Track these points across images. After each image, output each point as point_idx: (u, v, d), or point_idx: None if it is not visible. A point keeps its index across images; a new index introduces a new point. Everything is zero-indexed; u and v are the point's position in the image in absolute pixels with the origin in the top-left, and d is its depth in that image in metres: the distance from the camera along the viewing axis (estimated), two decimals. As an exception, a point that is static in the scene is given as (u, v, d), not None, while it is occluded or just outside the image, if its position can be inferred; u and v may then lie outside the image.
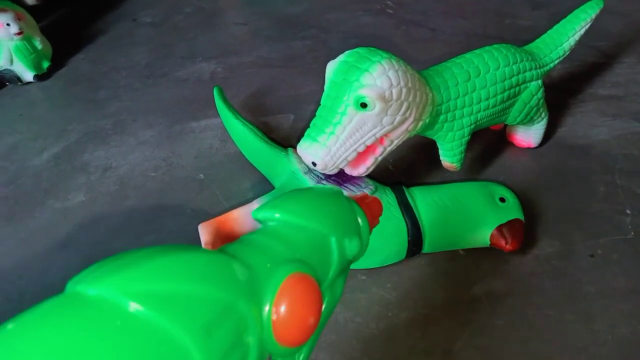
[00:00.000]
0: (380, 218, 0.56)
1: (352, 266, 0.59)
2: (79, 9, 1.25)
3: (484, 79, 0.60)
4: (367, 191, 0.57)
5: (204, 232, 0.55)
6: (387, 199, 0.58)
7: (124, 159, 0.79)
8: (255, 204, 0.58)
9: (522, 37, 1.01)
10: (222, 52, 1.04)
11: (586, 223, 0.65)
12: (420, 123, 0.56)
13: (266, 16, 1.17)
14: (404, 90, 0.51)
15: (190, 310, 0.22)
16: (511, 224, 0.58)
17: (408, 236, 0.57)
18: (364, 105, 0.50)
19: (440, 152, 0.64)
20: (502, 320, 0.55)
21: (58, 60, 1.03)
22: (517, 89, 0.63)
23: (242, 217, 0.57)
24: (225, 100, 0.76)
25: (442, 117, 0.59)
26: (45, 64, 0.99)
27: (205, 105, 0.88)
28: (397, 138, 0.55)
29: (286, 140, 0.79)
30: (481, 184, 0.61)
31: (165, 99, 0.92)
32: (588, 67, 0.92)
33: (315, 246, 0.32)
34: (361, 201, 0.39)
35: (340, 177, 0.59)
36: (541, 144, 0.75)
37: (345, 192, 0.57)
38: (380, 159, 0.57)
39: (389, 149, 0.56)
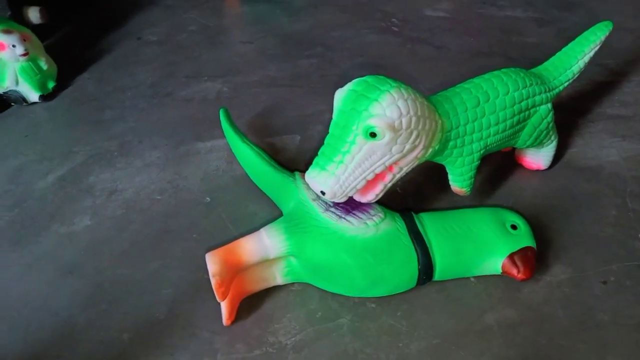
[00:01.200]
0: (390, 246, 0.56)
1: (362, 295, 0.58)
2: (83, 28, 1.26)
3: (493, 104, 0.59)
4: (375, 219, 0.56)
5: (212, 262, 0.54)
6: (397, 226, 0.57)
7: (130, 181, 0.79)
8: (263, 232, 0.57)
9: (528, 55, 1.01)
10: (227, 71, 1.04)
11: (598, 248, 0.64)
12: (430, 150, 0.55)
13: (272, 34, 1.17)
14: (414, 119, 0.51)
15: None
16: (523, 252, 0.57)
17: (418, 265, 0.56)
18: (373, 135, 0.50)
19: (450, 177, 0.64)
20: (514, 351, 0.54)
21: (63, 80, 1.03)
22: (526, 113, 0.63)
23: (250, 246, 0.56)
24: (232, 123, 0.76)
25: (451, 143, 0.58)
26: (51, 84, 0.99)
27: (211, 125, 0.87)
28: (406, 165, 0.55)
29: (293, 162, 0.78)
30: (492, 210, 0.60)
31: (170, 119, 0.92)
32: (596, 86, 0.91)
33: None
34: None
35: (349, 204, 0.58)
36: (551, 166, 0.74)
37: (353, 220, 0.56)
38: (389, 185, 0.56)
39: (398, 176, 0.55)
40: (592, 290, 0.59)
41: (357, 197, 0.56)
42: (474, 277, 0.61)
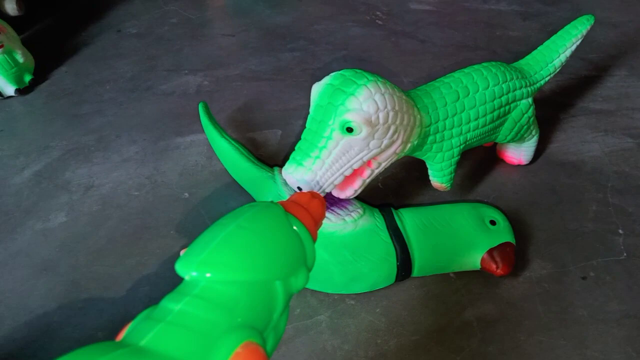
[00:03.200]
0: (369, 242, 0.55)
1: (341, 291, 0.58)
2: (62, 20, 1.23)
3: (473, 99, 0.59)
4: (354, 215, 0.56)
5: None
6: (376, 222, 0.56)
7: (107, 177, 0.77)
8: (239, 229, 0.56)
9: (513, 49, 1.00)
10: (208, 65, 1.03)
11: (578, 244, 0.64)
12: (409, 145, 0.55)
13: (254, 27, 1.15)
14: (391, 114, 0.50)
15: None
16: (502, 247, 0.56)
17: (397, 261, 0.55)
18: (350, 130, 0.49)
19: (430, 172, 0.63)
20: (493, 347, 0.54)
21: (40, 74, 1.01)
22: (507, 107, 0.62)
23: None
24: (211, 117, 0.75)
25: (430, 138, 0.57)
26: (27, 78, 0.97)
27: (191, 120, 0.86)
28: (385, 161, 0.54)
29: (273, 158, 0.77)
30: (471, 205, 0.60)
31: (149, 113, 0.90)
32: (579, 80, 0.91)
33: (258, 298, 0.27)
34: (298, 209, 0.34)
35: (327, 200, 0.57)
36: (532, 161, 0.74)
37: (331, 216, 0.55)
38: (368, 181, 0.55)
39: (377, 171, 0.55)
40: (572, 286, 0.59)
41: (335, 193, 0.55)
42: (454, 273, 0.60)
